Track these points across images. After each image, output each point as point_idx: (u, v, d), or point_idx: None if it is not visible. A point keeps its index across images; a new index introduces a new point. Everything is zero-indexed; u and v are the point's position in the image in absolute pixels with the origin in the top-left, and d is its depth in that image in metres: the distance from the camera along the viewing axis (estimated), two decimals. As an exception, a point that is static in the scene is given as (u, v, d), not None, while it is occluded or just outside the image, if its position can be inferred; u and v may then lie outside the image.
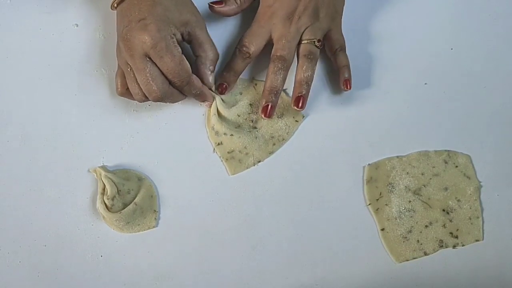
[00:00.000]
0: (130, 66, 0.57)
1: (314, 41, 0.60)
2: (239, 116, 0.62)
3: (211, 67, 0.60)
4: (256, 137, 0.63)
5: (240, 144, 0.62)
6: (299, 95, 0.60)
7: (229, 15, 0.62)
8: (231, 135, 0.62)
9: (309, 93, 0.61)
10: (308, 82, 0.60)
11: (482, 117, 0.66)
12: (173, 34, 0.56)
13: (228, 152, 0.62)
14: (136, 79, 0.57)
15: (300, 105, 0.60)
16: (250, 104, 0.62)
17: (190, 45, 0.60)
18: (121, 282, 0.61)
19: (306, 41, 0.60)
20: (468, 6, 0.68)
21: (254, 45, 0.61)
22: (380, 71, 0.66)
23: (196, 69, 0.60)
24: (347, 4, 0.63)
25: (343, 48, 0.63)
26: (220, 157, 0.63)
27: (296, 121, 0.64)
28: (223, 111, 0.62)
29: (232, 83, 0.63)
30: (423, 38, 0.67)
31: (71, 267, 0.61)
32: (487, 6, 0.68)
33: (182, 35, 0.58)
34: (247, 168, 0.63)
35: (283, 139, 0.64)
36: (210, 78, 0.60)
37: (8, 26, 0.63)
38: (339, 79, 0.63)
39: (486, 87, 0.67)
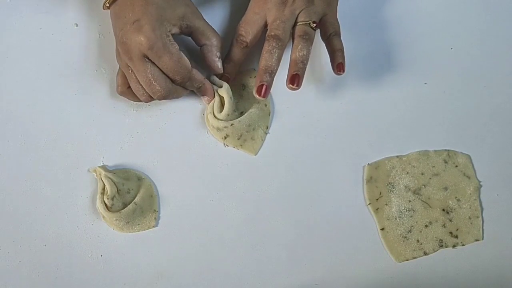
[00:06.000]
0: (131, 68, 0.57)
1: (309, 23, 0.59)
2: (228, 115, 0.62)
3: (218, 53, 0.60)
4: (250, 113, 0.63)
5: (244, 126, 0.62)
6: (294, 73, 0.58)
7: None
8: (232, 125, 0.62)
9: (304, 74, 0.59)
10: (304, 61, 0.59)
11: (482, 117, 0.66)
12: (169, 32, 0.56)
13: (237, 139, 0.63)
14: (139, 81, 0.57)
15: (295, 83, 0.58)
16: (231, 98, 0.62)
17: (191, 37, 0.60)
18: (121, 281, 0.61)
19: (301, 23, 0.59)
20: (468, 6, 0.68)
21: (250, 33, 0.61)
22: (380, 71, 0.66)
23: (203, 58, 0.60)
24: (345, 5, 0.63)
25: (337, 33, 0.61)
26: (234, 147, 0.63)
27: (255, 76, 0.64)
28: (217, 115, 0.62)
29: (233, 73, 0.63)
30: (423, 38, 0.67)
31: (71, 267, 0.61)
32: (487, 6, 0.68)
33: (180, 28, 0.58)
34: (263, 140, 0.64)
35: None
36: (219, 64, 0.61)
37: (8, 26, 0.63)
38: (331, 64, 0.61)
39: (486, 87, 0.67)
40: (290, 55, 0.59)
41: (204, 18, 0.60)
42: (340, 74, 0.61)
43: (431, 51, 0.67)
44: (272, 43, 0.59)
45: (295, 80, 0.58)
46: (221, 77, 0.62)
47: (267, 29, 0.60)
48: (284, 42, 0.59)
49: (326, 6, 0.61)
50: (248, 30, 0.61)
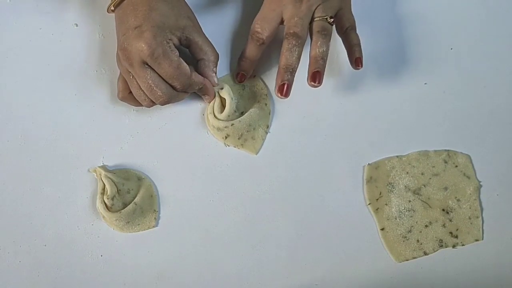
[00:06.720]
0: (131, 74, 0.57)
1: (327, 18, 0.59)
2: (229, 116, 0.62)
3: (214, 69, 0.61)
4: (251, 113, 0.63)
5: (244, 125, 0.62)
6: (315, 70, 0.58)
7: None
8: (232, 124, 0.62)
9: (325, 70, 0.59)
10: (324, 58, 0.59)
11: (482, 117, 0.66)
12: (169, 39, 0.56)
13: (238, 139, 0.63)
14: (140, 87, 0.57)
15: (317, 81, 0.58)
16: (232, 98, 0.62)
17: (189, 50, 0.60)
18: (121, 281, 0.61)
19: (318, 19, 0.59)
20: (468, 6, 0.68)
21: (266, 29, 0.60)
22: (380, 71, 0.66)
23: (200, 73, 0.60)
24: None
25: (353, 28, 0.61)
26: (234, 147, 0.63)
27: (254, 76, 0.65)
28: (218, 115, 0.62)
29: (250, 70, 0.63)
30: (423, 38, 0.67)
31: (71, 266, 0.61)
32: (487, 6, 0.68)
33: (179, 40, 0.58)
34: (263, 140, 0.64)
35: (266, 94, 0.64)
36: (215, 79, 0.61)
37: (8, 26, 0.63)
38: (349, 58, 0.61)
39: (486, 87, 0.67)
40: (310, 52, 0.59)
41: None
42: (358, 69, 0.61)
43: (431, 51, 0.67)
44: (292, 41, 0.59)
45: (316, 77, 0.58)
46: (236, 75, 0.63)
47: (284, 26, 0.60)
48: (303, 40, 0.59)
49: (341, 1, 0.61)
50: (264, 26, 0.60)
